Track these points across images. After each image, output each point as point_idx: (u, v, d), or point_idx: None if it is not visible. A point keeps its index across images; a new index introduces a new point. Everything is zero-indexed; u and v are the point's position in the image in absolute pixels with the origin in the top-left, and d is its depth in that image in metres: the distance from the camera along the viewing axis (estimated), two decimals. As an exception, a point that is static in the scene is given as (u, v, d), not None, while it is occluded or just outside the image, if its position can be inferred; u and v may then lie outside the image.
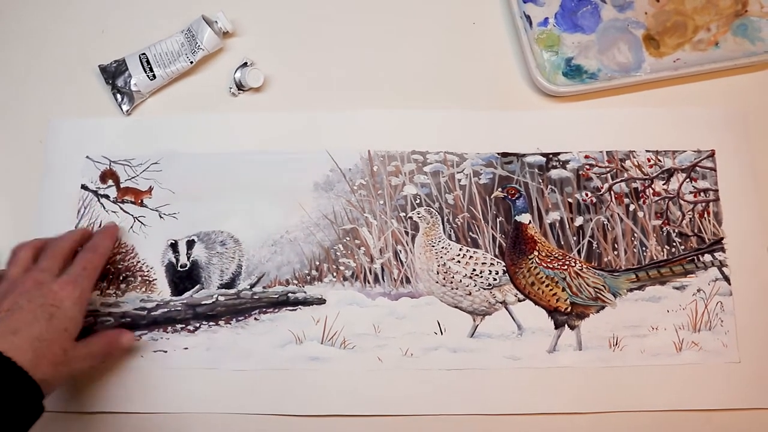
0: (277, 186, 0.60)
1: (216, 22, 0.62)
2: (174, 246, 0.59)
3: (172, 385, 0.56)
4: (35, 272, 0.50)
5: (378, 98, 0.61)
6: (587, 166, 0.60)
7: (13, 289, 0.49)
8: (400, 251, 0.58)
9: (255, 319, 0.57)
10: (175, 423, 0.55)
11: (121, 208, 0.60)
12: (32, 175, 0.61)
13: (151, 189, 0.60)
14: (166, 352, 0.57)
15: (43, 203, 0.60)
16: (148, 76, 0.61)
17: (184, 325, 0.57)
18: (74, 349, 0.50)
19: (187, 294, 0.58)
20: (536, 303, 0.57)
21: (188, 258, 0.58)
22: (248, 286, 0.58)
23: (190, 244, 0.59)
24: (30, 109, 0.63)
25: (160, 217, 0.60)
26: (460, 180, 0.60)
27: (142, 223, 0.60)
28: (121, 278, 0.59)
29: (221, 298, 0.58)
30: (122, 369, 0.56)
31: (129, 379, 0.56)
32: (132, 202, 0.60)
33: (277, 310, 0.57)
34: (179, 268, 0.58)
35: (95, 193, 0.61)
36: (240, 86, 0.61)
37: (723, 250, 0.58)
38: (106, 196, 0.60)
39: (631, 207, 0.59)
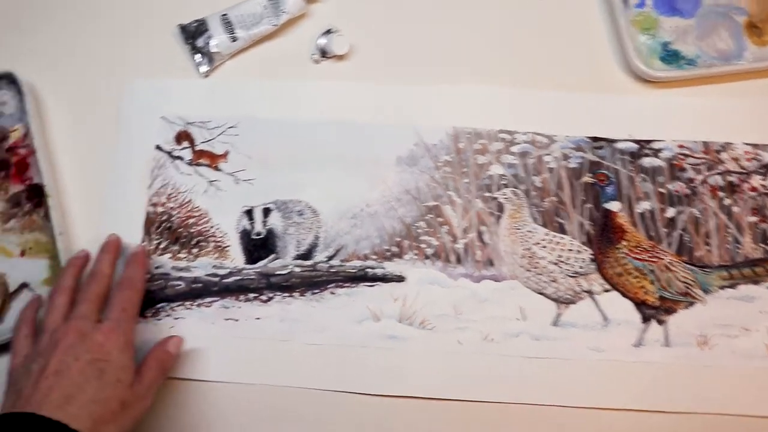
0: (358, 158, 0.58)
1: (301, -15, 0.61)
2: (249, 213, 0.57)
3: (242, 355, 0.54)
4: (76, 321, 0.48)
5: (465, 74, 0.60)
6: (681, 156, 0.58)
7: (55, 343, 0.47)
8: (484, 232, 0.57)
9: (331, 293, 0.56)
10: (243, 393, 0.54)
11: (196, 171, 0.59)
12: (107, 135, 0.60)
13: (227, 153, 0.59)
14: (237, 321, 0.55)
15: (118, 163, 0.59)
16: (229, 37, 0.60)
17: (257, 295, 0.56)
18: (131, 395, 0.48)
19: (261, 263, 0.57)
20: (623, 294, 0.56)
21: (264, 226, 0.57)
22: (325, 259, 0.57)
23: (267, 211, 0.57)
24: (106, 69, 0.62)
25: (236, 182, 0.58)
26: (548, 162, 0.58)
27: (216, 187, 0.58)
28: (193, 242, 0.57)
29: (297, 269, 0.56)
30: (190, 336, 0.55)
31: (199, 347, 0.55)
32: (207, 166, 0.59)
33: (354, 285, 0.56)
34: (254, 236, 0.57)
35: (169, 154, 0.59)
36: (323, 53, 0.60)
37: (819, 251, 0.56)
38: (180, 158, 0.59)
39: (726, 201, 0.58)
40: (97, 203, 0.59)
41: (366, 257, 0.57)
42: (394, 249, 0.57)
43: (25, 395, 0.45)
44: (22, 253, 0.58)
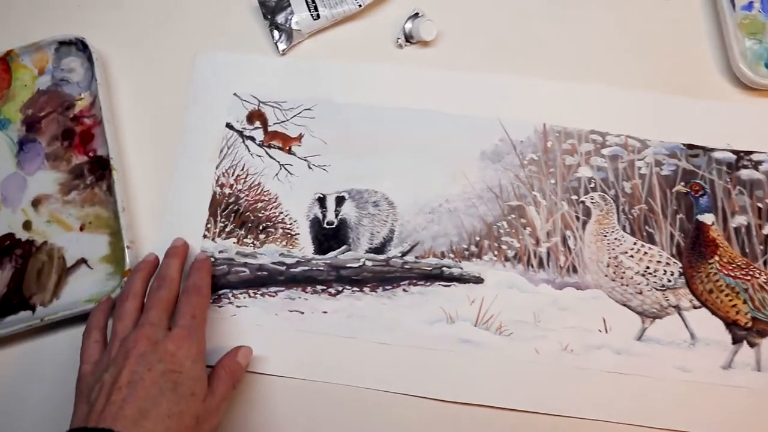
0: (440, 150, 0.56)
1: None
2: (322, 201, 0.55)
3: (304, 350, 0.52)
4: (146, 329, 0.46)
5: (556, 69, 0.57)
6: (782, 171, 0.56)
7: (127, 352, 0.45)
8: (569, 237, 0.54)
9: (404, 290, 0.53)
10: (303, 390, 0.51)
11: (267, 153, 0.56)
12: (176, 110, 0.58)
13: (301, 136, 0.56)
14: (302, 313, 0.53)
15: (185, 139, 0.57)
16: (311, 15, 0.57)
17: (325, 287, 0.53)
18: (204, 409, 0.46)
19: (331, 254, 0.54)
20: (713, 312, 0.53)
21: (336, 215, 0.55)
22: (399, 254, 0.54)
23: (340, 200, 0.55)
24: (178, 40, 0.60)
25: (309, 167, 0.56)
26: (640, 168, 0.55)
27: (288, 171, 0.56)
28: (260, 228, 0.55)
29: (369, 263, 0.54)
30: (252, 326, 0.53)
31: (261, 338, 0.53)
32: (279, 148, 0.56)
33: (428, 283, 0.53)
34: (325, 225, 0.55)
35: (240, 133, 0.57)
36: (408, 38, 0.57)
37: None
38: (252, 138, 0.57)
39: (828, 221, 0.55)
40: (162, 180, 0.56)
41: (443, 255, 0.54)
42: (473, 248, 0.54)
43: (97, 408, 0.43)
44: (81, 228, 0.55)
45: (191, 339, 0.46)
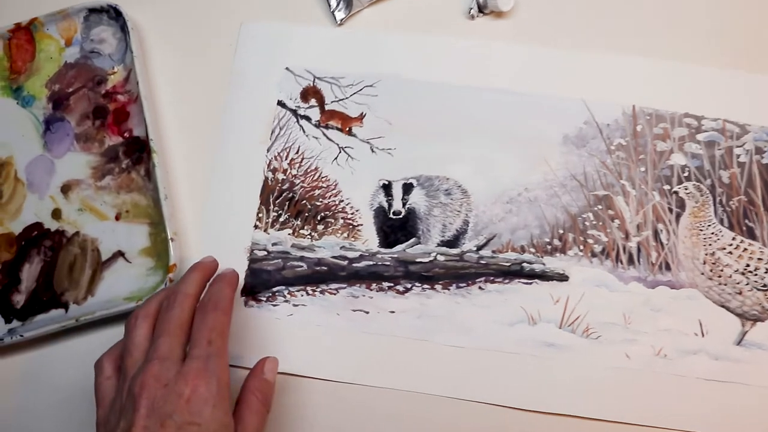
0: (518, 133, 0.51)
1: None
2: (387, 188, 0.50)
3: (370, 354, 0.47)
4: (154, 366, 0.39)
5: (647, 46, 0.52)
6: None
7: (134, 400, 0.38)
8: (661, 230, 0.50)
9: (480, 288, 0.49)
10: (367, 397, 0.47)
11: (324, 134, 0.51)
12: (220, 86, 0.52)
13: (362, 116, 0.51)
14: (367, 313, 0.48)
15: (232, 118, 0.52)
16: (373, -20, 0.52)
17: (392, 284, 0.49)
18: None
19: (399, 247, 0.49)
20: (820, 315, 0.49)
21: (404, 205, 0.50)
22: (474, 248, 0.49)
23: (408, 188, 0.50)
24: (222, 8, 0.54)
25: (372, 150, 0.51)
26: (739, 156, 0.51)
27: (348, 155, 0.51)
28: (318, 218, 0.50)
29: (441, 258, 0.49)
30: (311, 327, 0.48)
31: (322, 340, 0.48)
32: (338, 129, 0.51)
33: (507, 280, 0.49)
34: (391, 215, 0.50)
35: (294, 112, 0.52)
36: (482, 8, 0.52)
37: None
38: (307, 118, 0.52)
39: None
40: (205, 164, 0.51)
41: (523, 249, 0.49)
42: (556, 242, 0.49)
43: None
44: (117, 217, 0.50)
45: (208, 374, 0.39)
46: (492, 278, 0.49)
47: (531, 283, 0.49)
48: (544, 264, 0.49)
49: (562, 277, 0.49)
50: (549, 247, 0.49)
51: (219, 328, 0.41)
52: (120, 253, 0.50)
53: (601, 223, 0.50)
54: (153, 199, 0.50)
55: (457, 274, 0.49)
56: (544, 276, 0.49)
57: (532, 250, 0.49)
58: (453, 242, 0.50)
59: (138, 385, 0.38)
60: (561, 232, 0.50)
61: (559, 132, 0.51)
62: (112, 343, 0.45)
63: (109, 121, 0.52)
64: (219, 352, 0.40)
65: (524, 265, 0.49)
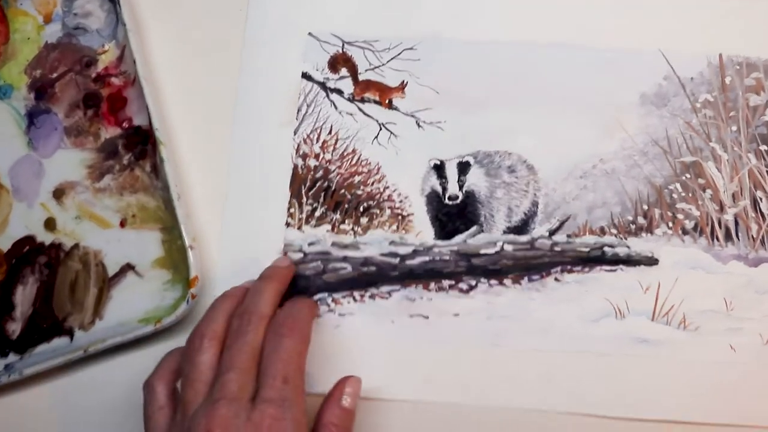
0: (587, 96, 0.43)
1: None
2: (439, 169, 0.43)
3: (434, 365, 0.41)
4: (221, 409, 0.33)
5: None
6: None
7: None
8: (761, 199, 0.43)
9: (555, 279, 0.42)
10: (435, 416, 0.40)
11: (360, 109, 0.44)
12: (231, 59, 0.45)
13: (403, 85, 0.44)
14: (427, 318, 0.42)
15: (248, 97, 0.44)
16: None
17: (453, 282, 0.42)
18: None
19: (458, 238, 0.42)
20: None
21: (461, 187, 0.43)
22: (547, 233, 0.42)
23: (464, 167, 0.43)
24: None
25: (418, 125, 0.44)
26: (844, 105, 0.44)
27: (391, 132, 0.44)
28: (361, 209, 0.43)
29: (508, 247, 0.42)
30: (362, 338, 0.42)
31: (377, 353, 0.41)
32: (376, 102, 0.44)
33: (587, 269, 0.42)
34: (447, 201, 0.43)
35: (322, 85, 0.44)
36: (534, -51, 0.45)
37: None
38: (339, 91, 0.44)
39: None
40: (222, 154, 0.44)
41: (603, 231, 0.43)
42: (641, 220, 0.43)
43: None
44: (123, 223, 0.43)
45: (285, 423, 0.33)
46: (569, 267, 0.42)
47: (615, 270, 0.42)
48: (628, 247, 0.42)
49: (651, 261, 0.42)
50: (633, 226, 0.43)
51: (296, 362, 0.35)
52: (129, 267, 0.42)
53: (690, 195, 0.43)
54: (163, 199, 0.43)
55: (529, 265, 0.42)
56: (629, 261, 0.42)
57: (614, 231, 0.42)
58: (521, 228, 0.43)
59: (202, 428, 0.32)
60: (645, 208, 0.43)
61: (635, 91, 0.43)
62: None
63: (103, 110, 0.44)
64: (296, 392, 0.34)
65: (606, 249, 0.42)
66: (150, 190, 0.43)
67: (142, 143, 0.43)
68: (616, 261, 0.42)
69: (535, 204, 0.43)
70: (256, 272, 0.41)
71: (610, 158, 0.43)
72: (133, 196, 0.43)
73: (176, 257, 0.42)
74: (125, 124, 0.44)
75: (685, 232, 0.43)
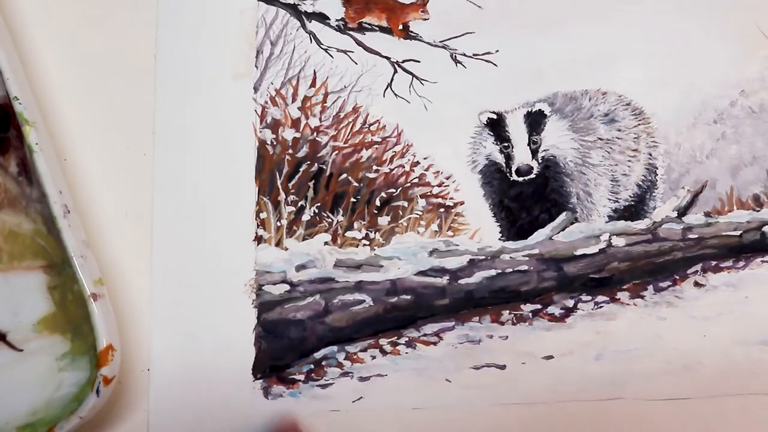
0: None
1: None
2: (498, 126, 0.28)
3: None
4: None
5: None
6: None
7: None
8: None
9: (696, 284, 0.28)
10: None
11: (359, 42, 0.28)
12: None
13: (424, 0, 0.29)
14: (503, 369, 0.27)
15: (172, 40, 0.28)
16: None
17: (540, 307, 0.27)
18: None
19: (540, 234, 0.28)
20: None
21: (534, 153, 0.28)
22: (675, 213, 0.28)
23: (537, 120, 0.28)
24: None
25: (455, 61, 0.28)
26: None
27: (413, 75, 0.28)
28: (378, 203, 0.28)
29: (618, 242, 0.28)
30: (406, 411, 0.26)
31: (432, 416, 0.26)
32: (383, 30, 0.28)
33: (743, 262, 0.28)
34: (515, 176, 0.28)
35: (293, 8, 0.28)
36: None
37: None
38: (321, 16, 0.28)
39: None
40: (139, 135, 0.28)
41: (758, 202, 0.28)
42: (813, 179, 0.29)
43: None
44: (-21, 263, 0.26)
45: None
46: (715, 263, 0.28)
47: None
48: (799, 223, 0.29)
49: (836, 241, 0.29)
50: (803, 189, 0.29)
51: None
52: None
53: None
54: (43, 217, 0.26)
55: (653, 267, 0.28)
56: (802, 244, 0.28)
57: None
58: (635, 208, 0.28)
59: None
60: (818, 160, 0.29)
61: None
62: None
63: (-77, 77, 0.27)
64: None
65: (766, 229, 0.28)
66: (20, 205, 0.27)
67: (1, 129, 0.27)
68: (783, 246, 0.28)
69: (651, 170, 0.29)
70: (215, 325, 0.25)
71: (756, 88, 0.30)
72: (-8, 216, 0.27)
73: (74, 313, 0.26)
74: (-33, 98, 0.27)
75: None
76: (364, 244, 0.28)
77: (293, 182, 0.28)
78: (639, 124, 0.29)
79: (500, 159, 0.29)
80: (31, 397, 0.27)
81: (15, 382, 0.28)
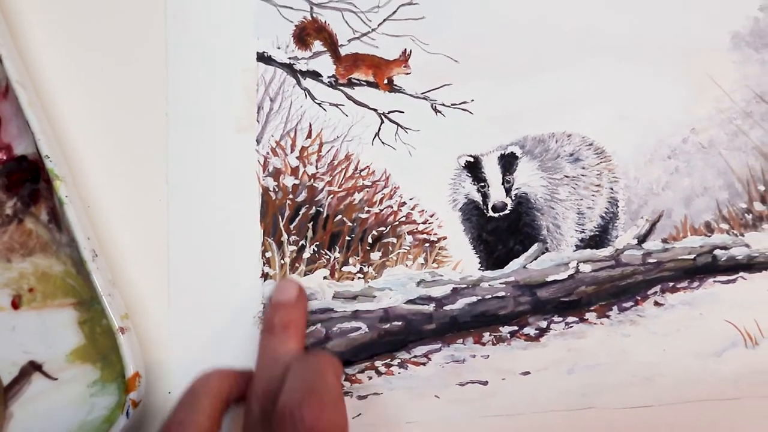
0: (662, 45, 0.32)
1: None
2: (475, 168, 0.31)
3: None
4: None
5: None
6: None
7: None
8: None
9: (656, 303, 0.31)
10: None
11: (349, 97, 0.31)
12: (153, 43, 0.32)
13: (406, 56, 0.32)
14: (485, 384, 0.30)
15: (181, 98, 0.31)
16: None
17: (516, 328, 0.30)
18: None
19: (514, 263, 0.31)
20: None
21: (508, 191, 0.31)
22: (635, 241, 0.31)
23: (509, 161, 0.31)
24: None
25: (435, 110, 0.32)
26: None
27: (397, 124, 0.32)
28: (370, 240, 0.31)
29: (585, 268, 0.31)
30: (401, 426, 0.29)
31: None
32: (370, 84, 0.32)
33: (696, 283, 0.31)
34: (491, 212, 0.31)
35: (289, 68, 0.32)
36: None
37: None
38: (315, 74, 0.32)
39: None
40: (155, 184, 0.31)
41: (710, 228, 0.32)
42: (758, 207, 0.32)
43: None
44: (15, 303, 0.30)
45: None
46: (672, 284, 0.31)
47: (734, 280, 0.31)
48: (747, 245, 0.32)
49: (781, 261, 0.32)
50: (749, 216, 0.32)
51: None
52: (34, 366, 0.29)
53: (817, 164, 0.33)
54: (72, 260, 0.30)
55: (617, 289, 0.31)
56: (752, 264, 0.31)
57: (724, 225, 0.32)
58: (599, 238, 0.32)
59: None
60: (762, 188, 0.32)
61: (724, 32, 0.33)
62: None
63: (-37, 139, 0.31)
64: None
65: (717, 252, 0.31)
66: (51, 249, 0.30)
67: (31, 180, 0.30)
68: (733, 267, 0.32)
69: (613, 202, 0.32)
70: (228, 352, 0.29)
71: (705, 126, 0.32)
72: (26, 260, 0.30)
73: (103, 345, 0.29)
74: (3, 155, 0.30)
75: (817, 216, 0.33)
76: (359, 277, 0.31)
77: (294, 224, 0.32)
78: (601, 162, 0.33)
79: (478, 197, 0.32)
80: (67, 421, 0.30)
81: (52, 407, 0.31)
